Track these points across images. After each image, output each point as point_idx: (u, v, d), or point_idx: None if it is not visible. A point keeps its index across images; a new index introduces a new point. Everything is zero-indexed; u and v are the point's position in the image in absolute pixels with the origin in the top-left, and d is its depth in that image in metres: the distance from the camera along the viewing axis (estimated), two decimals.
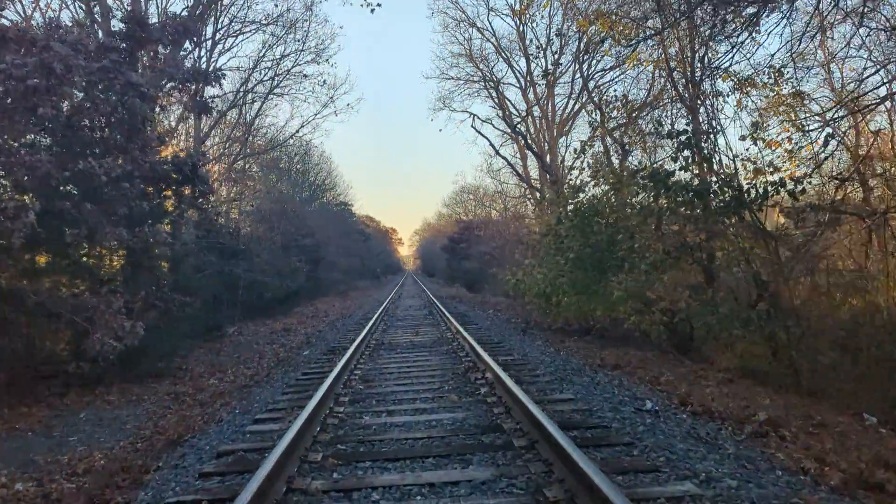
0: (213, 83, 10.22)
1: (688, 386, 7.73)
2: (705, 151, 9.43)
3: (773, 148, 12.90)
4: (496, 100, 32.00)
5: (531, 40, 31.01)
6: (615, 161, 19.35)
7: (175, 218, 13.03)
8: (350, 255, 50.29)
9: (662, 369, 8.89)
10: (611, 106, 18.42)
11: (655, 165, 12.48)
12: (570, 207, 15.14)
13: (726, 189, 9.04)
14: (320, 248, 38.16)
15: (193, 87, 10.53)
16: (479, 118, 29.62)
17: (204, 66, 22.04)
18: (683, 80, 17.30)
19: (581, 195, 14.54)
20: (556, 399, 6.57)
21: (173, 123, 22.86)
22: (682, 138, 9.48)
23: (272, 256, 29.47)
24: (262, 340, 15.88)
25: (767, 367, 9.91)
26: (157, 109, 11.42)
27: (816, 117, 10.70)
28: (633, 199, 13.67)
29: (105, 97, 9.26)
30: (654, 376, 8.32)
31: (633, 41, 14.75)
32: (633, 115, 17.99)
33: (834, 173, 11.18)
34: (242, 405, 7.67)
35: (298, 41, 24.12)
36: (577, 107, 31.98)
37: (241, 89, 23.63)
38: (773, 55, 16.23)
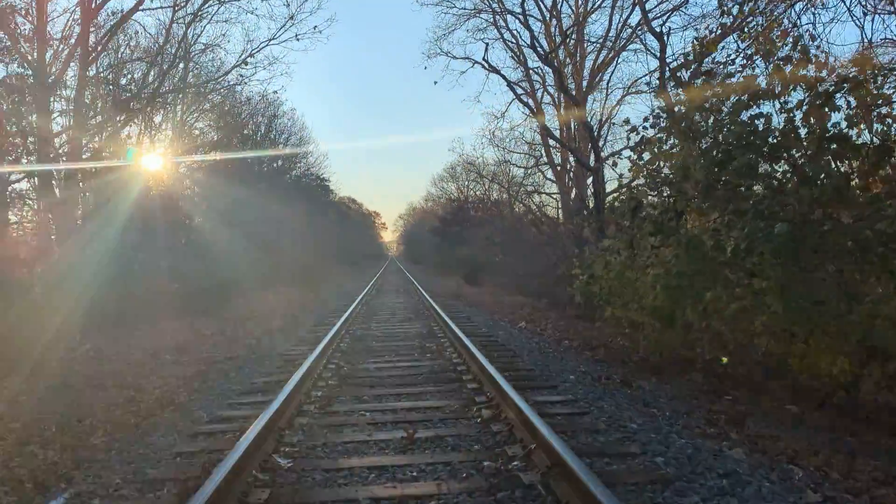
0: None
1: None
2: None
3: None
4: (511, 35, 24.35)
5: None
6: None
7: None
8: (324, 238, 42.88)
9: None
10: None
11: None
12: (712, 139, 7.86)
13: None
14: (283, 225, 30.77)
15: None
16: (484, 65, 22.03)
17: None
18: None
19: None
20: None
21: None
22: None
23: (205, 234, 21.98)
24: (113, 378, 8.44)
25: None
26: None
27: None
28: None
29: None
30: None
31: None
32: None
33: None
34: None
35: None
36: (611, 55, 24.53)
37: None
38: None
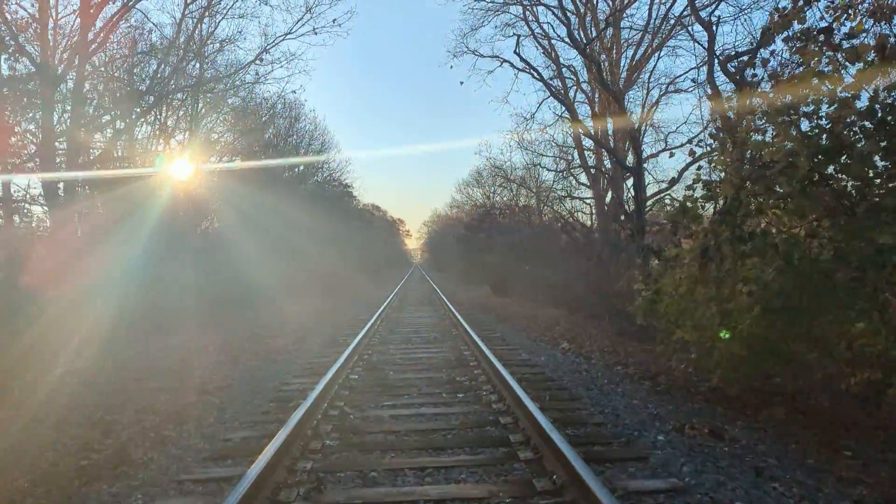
0: None
1: None
2: None
3: None
4: (542, 30, 22.76)
5: None
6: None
7: None
8: (347, 245, 41.55)
9: None
10: None
11: None
12: None
13: None
14: (304, 232, 29.46)
15: None
16: (512, 64, 20.71)
17: None
18: None
19: None
20: None
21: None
22: None
23: (222, 241, 20.82)
24: (85, 411, 7.16)
25: None
26: None
27: None
28: None
29: None
30: None
31: None
32: None
33: None
34: None
35: None
36: (648, 51, 22.85)
37: None
38: None
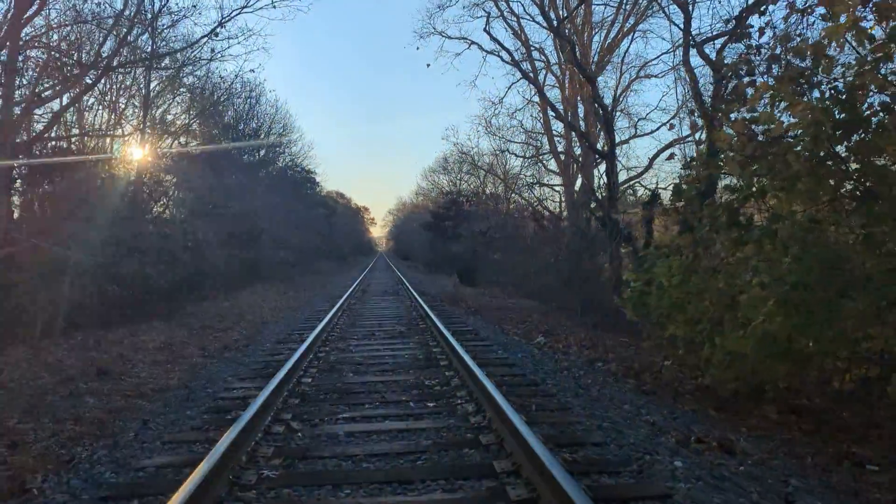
0: None
1: None
2: None
3: None
4: (511, 12, 21.90)
5: None
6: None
7: None
8: (310, 233, 40.40)
9: None
10: None
11: None
12: None
13: None
14: (264, 219, 28.25)
15: None
16: (481, 46, 20.02)
17: None
18: None
19: None
20: None
21: None
22: None
23: (175, 227, 19.52)
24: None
25: None
26: None
27: None
28: None
29: None
30: None
31: None
32: None
33: None
34: None
35: None
36: (619, 36, 22.33)
37: None
38: None
